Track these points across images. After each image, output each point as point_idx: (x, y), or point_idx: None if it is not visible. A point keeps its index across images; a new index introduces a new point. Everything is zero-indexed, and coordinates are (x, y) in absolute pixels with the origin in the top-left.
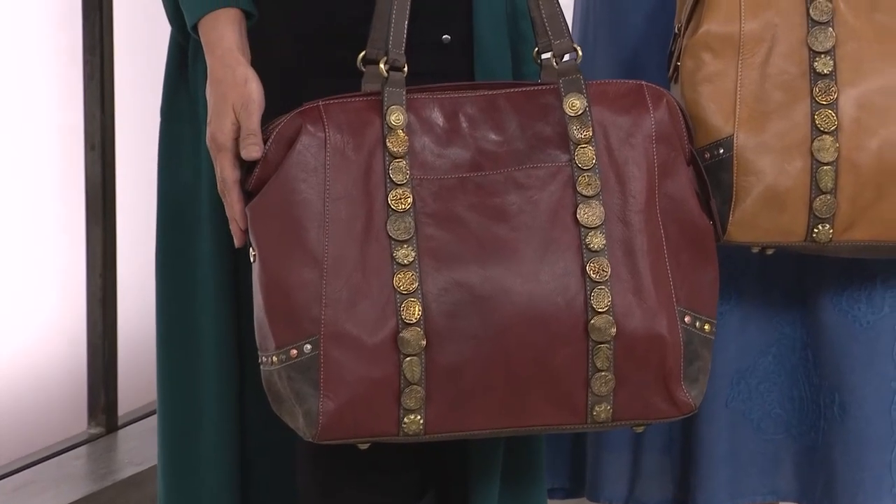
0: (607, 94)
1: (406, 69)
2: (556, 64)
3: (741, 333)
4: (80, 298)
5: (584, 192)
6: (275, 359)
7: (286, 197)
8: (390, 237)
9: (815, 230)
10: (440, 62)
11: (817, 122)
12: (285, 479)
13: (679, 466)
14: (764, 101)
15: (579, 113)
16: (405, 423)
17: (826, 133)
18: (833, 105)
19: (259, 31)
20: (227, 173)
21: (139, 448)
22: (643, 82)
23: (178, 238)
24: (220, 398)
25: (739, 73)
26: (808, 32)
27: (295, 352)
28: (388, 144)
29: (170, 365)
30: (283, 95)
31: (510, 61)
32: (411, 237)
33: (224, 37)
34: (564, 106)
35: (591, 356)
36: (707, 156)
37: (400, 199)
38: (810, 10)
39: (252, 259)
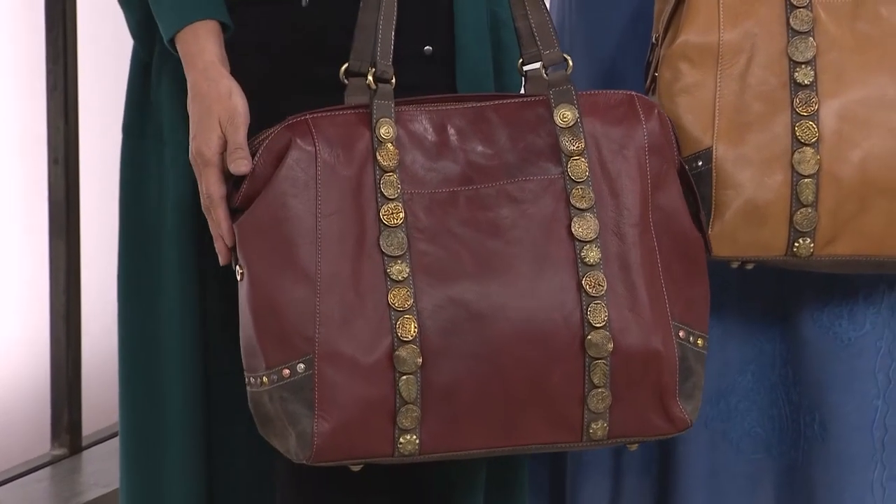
0: (598, 105)
1: (394, 81)
2: (546, 74)
3: (721, 351)
4: (44, 315)
5: (578, 205)
6: (265, 379)
7: (276, 213)
8: (383, 253)
9: (796, 245)
10: (422, 74)
11: (798, 133)
12: (253, 502)
13: (659, 487)
14: (743, 113)
15: (571, 124)
16: (400, 444)
17: (807, 145)
18: (814, 116)
19: (230, 47)
20: (213, 189)
21: (105, 470)
22: (634, 93)
23: (141, 259)
24: (185, 418)
25: (718, 84)
26: (789, 42)
27: (287, 372)
28: (379, 158)
29: (132, 384)
30: (258, 112)
31: (493, 72)
32: (404, 253)
33: (205, 49)
34: (555, 117)
35: (587, 373)
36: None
37: (392, 213)
38: (790, 20)
39: (239, 278)
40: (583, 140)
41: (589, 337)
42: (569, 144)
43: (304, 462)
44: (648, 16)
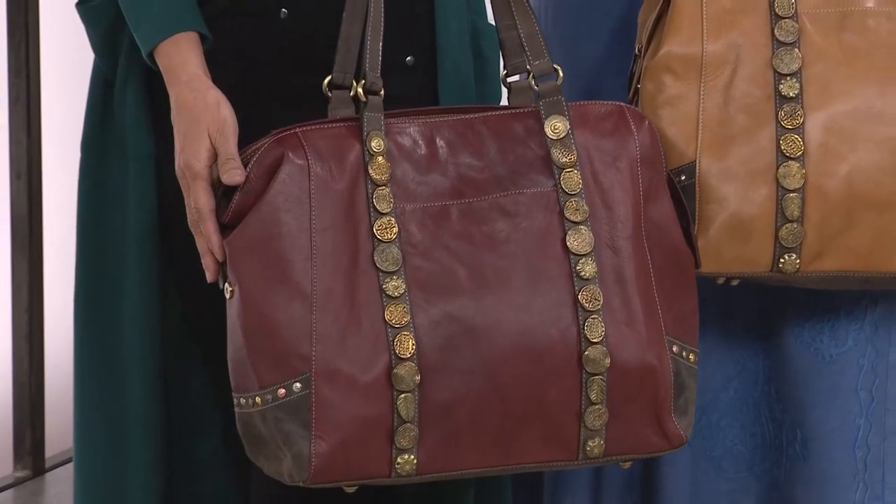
0: (588, 116)
1: (382, 93)
2: (535, 85)
3: (703, 367)
4: (5, 334)
5: (572, 218)
6: (258, 400)
7: (270, 229)
8: (378, 269)
9: (782, 260)
10: (404, 84)
11: (783, 147)
12: None
13: None
14: (727, 126)
15: (562, 136)
16: (398, 464)
17: (792, 159)
18: (799, 129)
19: (210, 58)
20: (202, 202)
21: (68, 492)
22: (623, 104)
23: (101, 279)
24: (145, 440)
25: (702, 97)
26: (774, 54)
27: (283, 391)
28: (371, 172)
29: (89, 408)
30: (239, 124)
31: (474, 82)
32: (399, 268)
33: (188, 61)
34: (546, 129)
35: (584, 389)
36: None
37: (386, 228)
38: (775, 31)
39: (228, 295)
40: (575, 152)
41: (586, 352)
42: (561, 156)
43: (300, 484)
44: (630, 26)
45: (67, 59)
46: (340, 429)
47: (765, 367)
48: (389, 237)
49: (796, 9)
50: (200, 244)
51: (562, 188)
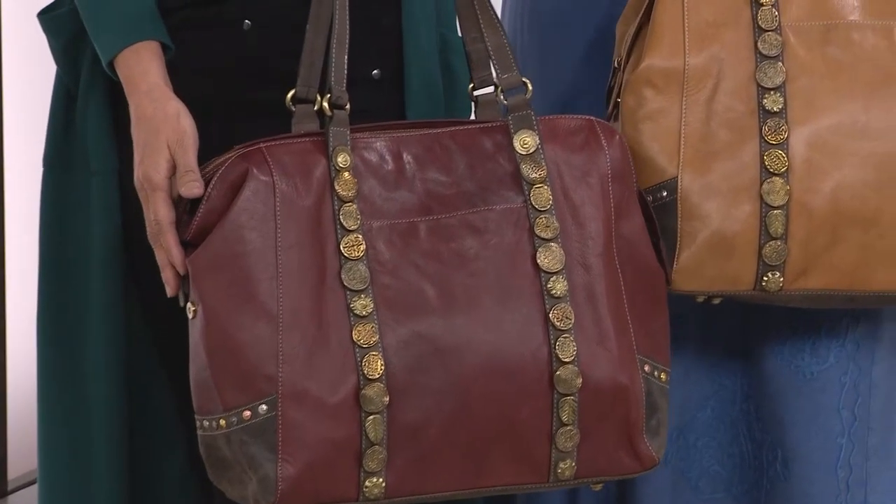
0: (558, 130)
1: (348, 107)
2: (504, 99)
3: (680, 386)
4: None
5: (543, 235)
6: (222, 422)
7: (234, 247)
8: (345, 287)
9: (765, 278)
10: (371, 98)
11: (767, 163)
12: None
13: None
14: (710, 141)
15: (531, 151)
16: (366, 487)
17: (776, 175)
18: (783, 145)
19: (172, 69)
20: (161, 214)
21: None
22: (594, 118)
23: (64, 299)
24: (109, 463)
25: (684, 111)
26: (757, 67)
27: (248, 413)
28: (337, 188)
29: (54, 429)
30: (199, 136)
31: (444, 96)
32: (367, 286)
33: (149, 71)
34: (515, 143)
35: (555, 410)
36: (649, 199)
37: (353, 245)
38: (759, 44)
39: (191, 315)
40: (545, 167)
41: (558, 372)
42: (530, 172)
43: None
44: (608, 38)
45: (29, 74)
46: (308, 451)
47: (743, 385)
48: (357, 255)
49: (780, 22)
50: (160, 257)
51: (532, 204)
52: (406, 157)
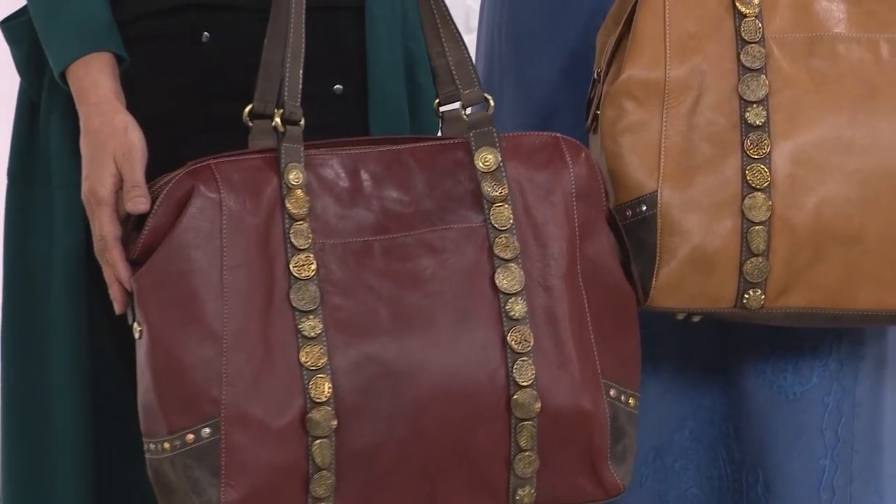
0: (521, 147)
1: (303, 123)
2: (466, 115)
3: (657, 405)
4: None
5: (502, 255)
6: (166, 445)
7: (179, 266)
8: (294, 308)
9: (746, 296)
10: (332, 114)
11: (749, 178)
12: None
13: None
14: (691, 155)
15: (493, 169)
16: None
17: (758, 190)
18: (766, 159)
19: (127, 82)
20: (107, 230)
21: None
22: (559, 135)
23: (27, 316)
24: (75, 486)
25: (664, 124)
26: (740, 80)
27: (192, 437)
28: (288, 206)
29: (17, 446)
30: (154, 151)
31: (408, 113)
32: (317, 307)
33: (99, 83)
34: (476, 161)
35: (513, 435)
36: (628, 214)
37: (303, 265)
38: (741, 56)
39: (137, 335)
40: (506, 185)
41: (515, 396)
42: (491, 190)
43: None
44: (587, 49)
45: None
46: (251, 476)
47: (722, 406)
48: (307, 274)
49: (763, 34)
50: (107, 274)
51: (491, 223)
52: (364, 174)
